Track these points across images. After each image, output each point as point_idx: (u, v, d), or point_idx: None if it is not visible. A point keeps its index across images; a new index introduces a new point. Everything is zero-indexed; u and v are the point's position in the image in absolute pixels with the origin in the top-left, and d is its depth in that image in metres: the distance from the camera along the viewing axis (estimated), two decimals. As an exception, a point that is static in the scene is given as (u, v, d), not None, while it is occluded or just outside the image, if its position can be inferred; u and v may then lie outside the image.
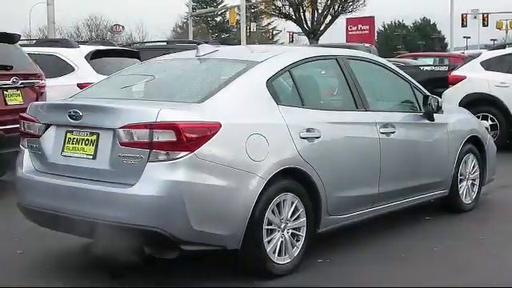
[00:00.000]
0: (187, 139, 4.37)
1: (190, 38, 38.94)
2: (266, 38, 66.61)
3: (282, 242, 4.86)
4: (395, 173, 5.85)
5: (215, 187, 4.48)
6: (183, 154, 4.37)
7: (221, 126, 4.51)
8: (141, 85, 5.39)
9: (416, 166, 6.12)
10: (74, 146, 4.80)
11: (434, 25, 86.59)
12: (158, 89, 5.24)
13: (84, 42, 10.86)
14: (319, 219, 5.18)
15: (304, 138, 5.02)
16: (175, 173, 4.37)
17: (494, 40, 73.25)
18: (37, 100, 8.24)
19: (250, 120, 4.76)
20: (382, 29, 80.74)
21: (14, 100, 7.91)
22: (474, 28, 61.08)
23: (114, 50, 10.37)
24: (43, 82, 8.42)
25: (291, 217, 4.93)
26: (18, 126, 7.90)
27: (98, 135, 4.67)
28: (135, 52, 10.66)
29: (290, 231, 4.94)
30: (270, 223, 4.77)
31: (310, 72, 5.58)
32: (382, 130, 5.69)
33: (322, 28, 32.45)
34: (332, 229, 5.38)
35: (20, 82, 7.96)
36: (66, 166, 4.82)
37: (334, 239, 5.58)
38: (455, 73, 12.08)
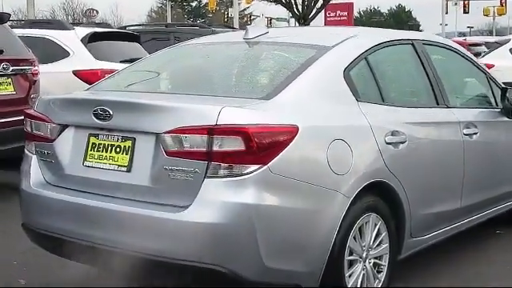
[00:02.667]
0: (259, 148, 3.30)
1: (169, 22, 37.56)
2: (244, 23, 65.31)
3: (363, 275, 3.83)
4: (477, 182, 4.85)
5: (292, 211, 3.43)
6: (253, 167, 3.30)
7: (298, 130, 3.44)
8: (181, 75, 4.29)
9: (497, 173, 5.12)
10: (99, 153, 3.70)
11: (410, 12, 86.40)
12: (206, 81, 4.13)
13: (77, 24, 9.65)
14: (402, 243, 4.16)
15: (389, 144, 3.98)
16: (243, 193, 3.30)
17: (471, 27, 73.19)
18: (29, 90, 7.11)
19: (330, 121, 3.71)
20: (358, 15, 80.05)
21: (5, 89, 6.78)
22: (451, 15, 60.51)
23: (112, 33, 9.20)
24: (36, 68, 7.27)
25: (373, 243, 3.90)
26: (10, 120, 6.98)
27: (134, 141, 3.58)
28: (136, 35, 9.51)
29: (372, 261, 3.91)
30: (351, 253, 3.74)
31: (388, 60, 4.52)
32: (465, 131, 4.68)
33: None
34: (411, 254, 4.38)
35: (11, 68, 6.80)
36: (88, 179, 3.72)
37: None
38: (481, 61, 11.12)
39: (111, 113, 3.58)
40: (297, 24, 34.95)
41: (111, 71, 8.23)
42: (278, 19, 62.86)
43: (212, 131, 3.30)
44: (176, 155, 3.38)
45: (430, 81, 4.59)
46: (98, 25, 10.09)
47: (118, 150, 3.63)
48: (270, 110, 3.48)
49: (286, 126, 3.42)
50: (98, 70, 8.20)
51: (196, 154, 3.34)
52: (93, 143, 3.73)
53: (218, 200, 3.31)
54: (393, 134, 4.01)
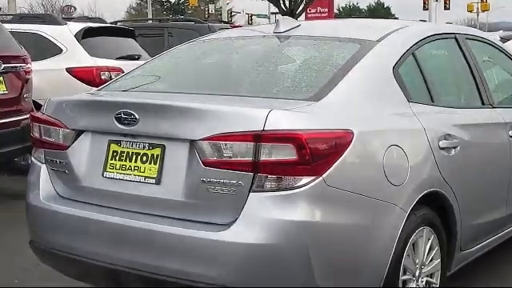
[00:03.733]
0: (313, 157, 2.87)
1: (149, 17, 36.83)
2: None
3: (416, 295, 3.43)
4: (522, 187, 4.47)
5: (347, 228, 3.01)
6: (306, 179, 2.87)
7: (353, 135, 3.02)
8: (211, 73, 3.83)
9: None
10: (122, 163, 3.24)
11: (389, 8, 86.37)
12: (240, 79, 3.68)
13: (69, 19, 9.12)
14: (452, 258, 3.77)
15: (442, 149, 3.58)
16: (295, 209, 2.86)
17: (449, 23, 73.39)
18: (22, 89, 6.61)
19: (384, 125, 3.29)
20: (337, 12, 79.83)
21: (-4, 89, 6.26)
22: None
23: (107, 29, 8.69)
24: (29, 66, 6.76)
25: (426, 259, 3.50)
26: (1, 121, 6.46)
27: (164, 148, 3.13)
28: (131, 31, 9.01)
29: (425, 279, 3.51)
30: (404, 271, 3.33)
31: (434, 56, 4.11)
32: (511, 133, 4.29)
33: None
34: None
35: (2, 66, 6.29)
36: (109, 192, 3.27)
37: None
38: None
39: (137, 117, 3.12)
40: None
41: (107, 69, 7.80)
42: (258, 16, 62.36)
43: (259, 138, 2.86)
44: (215, 165, 2.94)
45: (474, 78, 4.19)
46: (91, 19, 9.56)
47: (144, 159, 3.18)
48: (320, 112, 3.05)
49: (341, 131, 3.00)
50: (93, 67, 7.72)
51: (240, 165, 2.90)
52: (114, 151, 3.28)
53: (265, 217, 2.87)
54: (445, 137, 3.61)
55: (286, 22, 3.97)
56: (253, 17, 61.99)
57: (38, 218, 3.53)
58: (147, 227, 3.08)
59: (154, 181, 3.13)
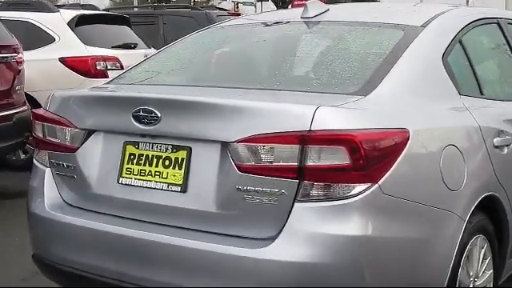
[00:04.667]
0: (369, 161, 2.47)
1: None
2: (209, 7, 63.87)
3: (470, 311, 3.06)
4: None
5: (406, 242, 2.62)
6: (361, 187, 2.47)
7: (409, 134, 2.62)
8: (238, 64, 3.40)
9: None
10: (141, 167, 2.83)
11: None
12: (273, 71, 3.26)
13: (60, 6, 8.62)
14: (503, 266, 3.40)
15: (496, 148, 3.20)
16: (348, 222, 2.47)
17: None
18: (14, 80, 6.15)
19: (439, 122, 2.90)
20: (323, -1, 79.37)
21: (-14, 81, 5.81)
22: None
23: (101, 16, 8.21)
24: (21, 56, 6.30)
25: (479, 270, 3.13)
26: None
27: (190, 151, 2.72)
28: (126, 18, 8.53)
29: (478, 293, 3.14)
30: (459, 285, 2.95)
31: (479, 43, 3.72)
32: None
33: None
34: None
35: (-7, 56, 5.85)
36: (126, 201, 2.86)
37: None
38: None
39: (159, 115, 2.71)
40: (272, 7, 33.93)
41: (103, 58, 7.36)
42: (244, 3, 61.77)
43: (305, 139, 2.46)
44: (253, 172, 2.54)
45: None
46: (83, 7, 9.07)
47: (166, 163, 2.77)
48: (372, 109, 2.65)
49: (397, 131, 2.60)
50: (88, 56, 7.26)
51: (282, 171, 2.50)
52: (130, 154, 2.86)
53: (313, 232, 2.47)
54: (499, 134, 3.23)
55: (315, 6, 3.54)
56: (239, 4, 61.36)
57: (42, 228, 3.12)
58: (171, 242, 2.67)
59: (178, 188, 2.72)
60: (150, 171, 2.80)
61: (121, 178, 2.87)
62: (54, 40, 7.40)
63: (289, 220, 2.49)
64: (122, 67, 7.53)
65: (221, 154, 2.62)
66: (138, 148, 2.85)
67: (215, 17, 9.84)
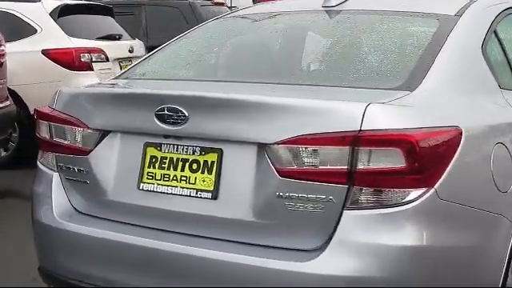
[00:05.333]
0: (425, 163, 2.24)
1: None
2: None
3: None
4: None
5: (460, 250, 2.40)
6: (417, 192, 2.24)
7: (462, 133, 2.40)
8: (262, 56, 3.14)
9: None
10: (164, 172, 2.56)
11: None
12: (305, 64, 3.01)
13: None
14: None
15: None
16: (404, 231, 2.24)
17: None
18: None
19: (486, 118, 2.68)
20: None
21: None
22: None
23: (84, 6, 7.85)
24: (3, 48, 5.96)
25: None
26: None
27: (221, 154, 2.46)
28: (109, 8, 8.19)
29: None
30: (509, 292, 2.76)
31: (511, 31, 3.51)
32: None
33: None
34: None
35: (-26, 49, 5.51)
36: (148, 209, 2.59)
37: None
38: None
39: (186, 114, 2.45)
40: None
41: (88, 50, 7.04)
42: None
43: (355, 141, 2.22)
44: (296, 176, 2.30)
45: None
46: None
47: (194, 166, 2.51)
48: (420, 105, 2.41)
49: (450, 129, 2.37)
50: (72, 48, 6.93)
51: (330, 175, 2.26)
52: (152, 157, 2.60)
53: (365, 242, 2.24)
54: None
55: None
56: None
57: (51, 239, 2.84)
58: (203, 254, 2.42)
59: (209, 195, 2.47)
60: (175, 176, 2.54)
61: (141, 184, 2.60)
62: (36, 31, 7.04)
63: (337, 230, 2.26)
64: (107, 59, 7.24)
65: (257, 157, 2.38)
66: (160, 150, 2.58)
67: (199, 7, 9.55)
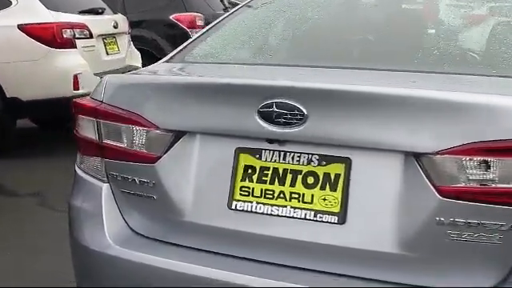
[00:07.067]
0: None
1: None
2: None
3: None
4: None
5: None
6: None
7: None
8: (359, 37, 2.53)
9: None
10: (266, 186, 1.96)
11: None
12: (418, 47, 2.38)
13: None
14: None
15: None
16: None
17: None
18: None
19: None
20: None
21: None
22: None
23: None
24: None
25: None
26: None
27: (349, 165, 1.87)
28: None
29: None
30: None
31: None
32: None
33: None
34: None
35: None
36: (245, 235, 1.99)
37: None
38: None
39: (305, 112, 1.85)
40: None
41: (70, 25, 6.31)
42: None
43: None
44: (466, 197, 1.73)
45: None
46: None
47: (310, 180, 1.91)
48: None
49: None
50: (52, 23, 6.17)
51: None
52: (247, 167, 1.99)
53: None
54: None
55: None
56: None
57: (102, 269, 2.21)
58: None
59: (334, 218, 1.88)
60: (283, 192, 1.94)
61: (234, 202, 2.00)
62: (11, 3, 6.25)
63: None
64: (91, 35, 6.51)
65: (404, 170, 1.80)
66: (260, 158, 1.98)
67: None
